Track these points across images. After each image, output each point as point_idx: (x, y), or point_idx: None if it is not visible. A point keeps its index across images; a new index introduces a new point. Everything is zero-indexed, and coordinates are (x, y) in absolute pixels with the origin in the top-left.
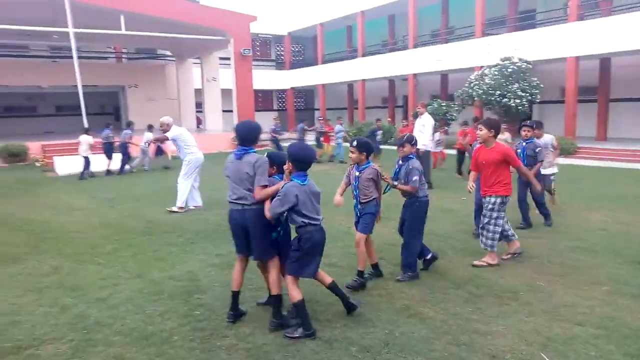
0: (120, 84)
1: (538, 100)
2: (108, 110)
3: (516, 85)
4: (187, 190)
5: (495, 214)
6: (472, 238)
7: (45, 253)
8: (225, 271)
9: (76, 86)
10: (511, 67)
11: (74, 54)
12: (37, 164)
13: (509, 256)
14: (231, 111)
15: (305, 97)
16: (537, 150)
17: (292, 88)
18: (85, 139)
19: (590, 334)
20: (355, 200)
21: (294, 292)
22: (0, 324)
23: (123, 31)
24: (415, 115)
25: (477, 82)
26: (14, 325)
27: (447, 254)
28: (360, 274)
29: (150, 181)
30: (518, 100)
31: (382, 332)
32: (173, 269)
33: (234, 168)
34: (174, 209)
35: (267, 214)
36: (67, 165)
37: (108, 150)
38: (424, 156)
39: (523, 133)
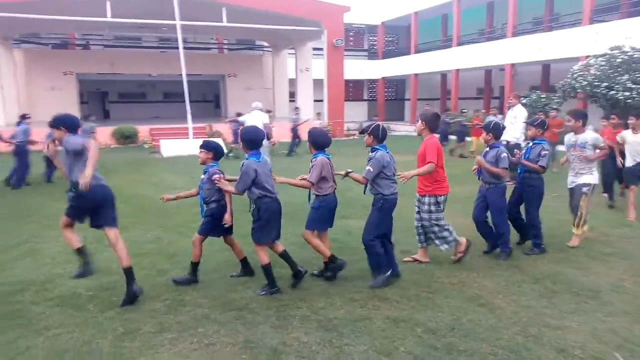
0: (221, 73)
1: None
2: (209, 98)
3: (626, 77)
4: None
5: (434, 215)
6: (557, 234)
7: (149, 224)
8: (304, 249)
9: (181, 75)
10: (621, 56)
11: (180, 44)
12: (146, 146)
13: (409, 259)
14: (322, 101)
15: (396, 87)
16: (542, 154)
17: (383, 78)
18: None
19: None
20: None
21: (264, 257)
22: (110, 281)
23: (224, 23)
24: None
25: (582, 73)
26: (120, 284)
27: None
28: (327, 261)
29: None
30: (627, 93)
31: (449, 317)
32: None
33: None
34: None
35: (233, 190)
36: (171, 147)
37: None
38: (512, 149)
39: (528, 132)
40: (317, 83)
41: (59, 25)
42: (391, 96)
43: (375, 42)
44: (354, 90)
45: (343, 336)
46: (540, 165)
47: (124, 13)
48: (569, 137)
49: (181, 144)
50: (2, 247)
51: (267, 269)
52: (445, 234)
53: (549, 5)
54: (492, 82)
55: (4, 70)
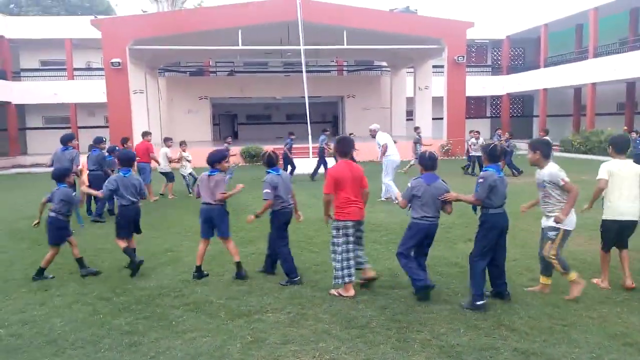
0: (339, 95)
1: None
2: (328, 119)
3: None
4: (391, 184)
5: (333, 240)
6: None
7: None
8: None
9: (304, 97)
10: None
11: (303, 68)
12: None
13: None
14: (441, 119)
15: (522, 103)
16: (478, 182)
17: (508, 94)
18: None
19: None
20: None
21: (122, 244)
22: (238, 291)
23: (345, 46)
24: None
25: None
26: (248, 295)
27: None
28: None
29: None
30: None
31: (588, 355)
32: (376, 263)
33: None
34: (382, 198)
35: (101, 194)
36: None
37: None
38: None
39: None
40: (436, 101)
41: (196, 55)
42: (517, 113)
43: (499, 57)
44: (476, 107)
45: None
46: (475, 198)
47: (252, 40)
48: (537, 172)
49: (302, 163)
50: (149, 254)
51: (125, 251)
52: (337, 265)
53: None
54: (636, 95)
55: (150, 96)
